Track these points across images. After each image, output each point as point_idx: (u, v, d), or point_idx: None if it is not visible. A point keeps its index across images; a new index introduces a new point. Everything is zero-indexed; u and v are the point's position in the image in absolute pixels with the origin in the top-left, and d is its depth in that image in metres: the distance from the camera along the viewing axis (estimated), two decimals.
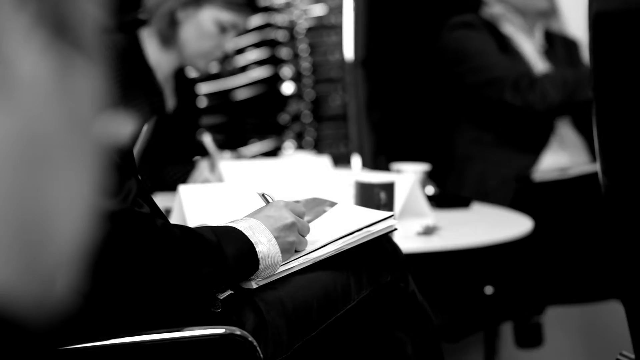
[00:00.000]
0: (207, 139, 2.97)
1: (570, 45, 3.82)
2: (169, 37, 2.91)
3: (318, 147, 4.10)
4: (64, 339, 1.46)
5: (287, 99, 4.11)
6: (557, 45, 3.76)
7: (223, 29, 2.93)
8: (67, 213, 0.54)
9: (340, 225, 1.83)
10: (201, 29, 2.91)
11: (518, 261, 3.25)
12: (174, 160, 3.00)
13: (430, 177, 2.98)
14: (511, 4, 3.65)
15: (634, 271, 1.34)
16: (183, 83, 3.14)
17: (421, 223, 2.49)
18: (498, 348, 3.40)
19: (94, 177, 0.56)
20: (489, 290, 3.15)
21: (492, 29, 3.64)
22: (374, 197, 2.36)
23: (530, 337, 3.41)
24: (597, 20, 1.29)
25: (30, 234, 0.52)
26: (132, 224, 1.49)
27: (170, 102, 3.06)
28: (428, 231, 2.45)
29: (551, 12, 3.76)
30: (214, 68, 3.50)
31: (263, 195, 1.83)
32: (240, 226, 1.68)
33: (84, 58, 0.55)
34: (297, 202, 1.87)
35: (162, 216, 1.68)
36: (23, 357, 0.54)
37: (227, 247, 1.63)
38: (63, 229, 0.54)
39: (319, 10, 4.13)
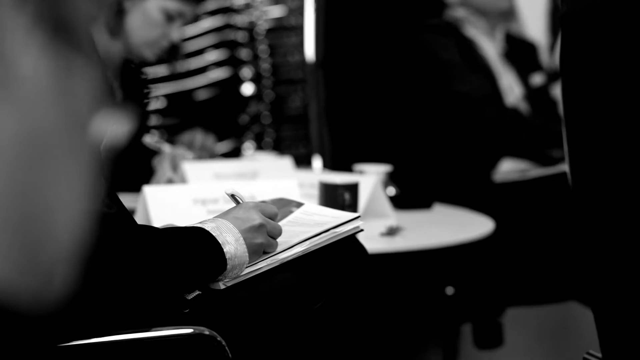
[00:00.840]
0: (167, 148, 2.96)
1: (530, 48, 3.86)
2: (116, 26, 2.88)
3: (277, 148, 4.10)
4: (60, 333, 1.45)
5: (247, 100, 4.10)
6: (517, 48, 3.80)
7: (170, 17, 2.92)
8: (65, 210, 0.54)
9: (307, 227, 1.83)
10: (147, 17, 2.88)
11: (479, 262, 3.27)
12: (128, 159, 2.98)
13: (392, 179, 2.99)
14: (473, 6, 3.67)
15: (601, 271, 1.36)
16: (134, 83, 3.11)
17: (384, 224, 2.49)
18: (458, 349, 3.42)
19: (90, 176, 0.56)
20: (449, 290, 3.17)
21: (456, 33, 3.67)
22: (338, 197, 2.36)
23: (490, 337, 3.43)
24: (566, 19, 1.30)
25: (30, 231, 0.52)
26: (100, 225, 1.48)
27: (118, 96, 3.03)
28: (391, 232, 2.45)
29: (511, 12, 3.80)
30: (170, 69, 3.48)
31: (232, 195, 1.82)
32: (207, 226, 1.67)
33: (82, 58, 0.55)
34: (264, 202, 1.87)
35: (129, 217, 1.67)
36: (21, 349, 0.54)
37: (194, 247, 1.63)
38: (61, 226, 0.54)
39: (278, 11, 4.13)
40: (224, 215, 1.72)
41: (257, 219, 1.71)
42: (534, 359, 3.75)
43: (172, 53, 3.14)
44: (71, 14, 0.54)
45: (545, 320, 3.78)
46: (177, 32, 2.96)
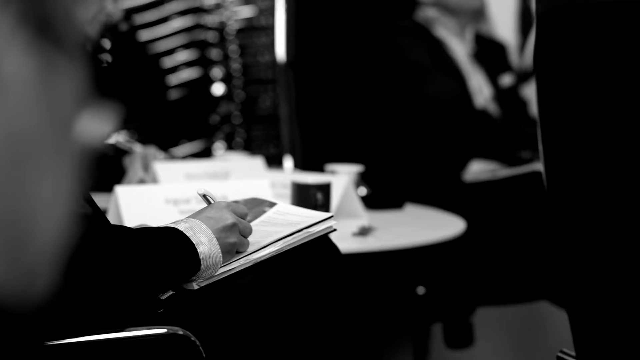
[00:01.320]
0: (137, 147, 2.94)
1: (499, 48, 3.87)
2: None
3: (248, 148, 4.09)
4: (40, 333, 1.44)
5: (217, 100, 4.10)
6: (486, 48, 3.81)
7: None
8: (48, 209, 0.54)
9: (280, 226, 1.83)
10: None
11: (450, 262, 3.28)
12: (100, 158, 2.96)
13: (363, 179, 2.99)
14: (445, 5, 3.68)
15: (577, 270, 1.36)
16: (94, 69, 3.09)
17: (356, 224, 2.49)
18: (429, 348, 3.43)
19: (74, 176, 0.56)
20: (421, 290, 3.18)
21: (426, 33, 3.68)
22: (310, 197, 2.36)
23: (461, 337, 3.44)
24: (541, 19, 1.31)
25: (13, 230, 0.52)
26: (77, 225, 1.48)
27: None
28: (364, 232, 2.46)
29: (481, 13, 3.81)
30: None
31: (204, 195, 1.82)
32: (180, 227, 1.67)
33: (65, 57, 0.54)
34: (236, 202, 1.87)
35: (103, 217, 1.66)
36: (6, 347, 0.54)
37: (168, 247, 1.63)
38: (45, 225, 0.53)
39: (249, 11, 4.12)
40: (197, 215, 1.72)
41: (229, 218, 1.71)
42: (504, 358, 3.77)
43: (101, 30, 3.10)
44: (55, 12, 0.54)
45: (516, 320, 3.80)
46: (110, 5, 2.95)
